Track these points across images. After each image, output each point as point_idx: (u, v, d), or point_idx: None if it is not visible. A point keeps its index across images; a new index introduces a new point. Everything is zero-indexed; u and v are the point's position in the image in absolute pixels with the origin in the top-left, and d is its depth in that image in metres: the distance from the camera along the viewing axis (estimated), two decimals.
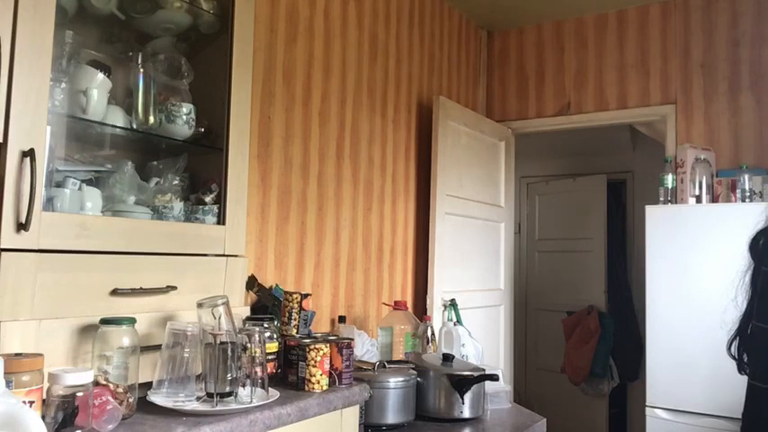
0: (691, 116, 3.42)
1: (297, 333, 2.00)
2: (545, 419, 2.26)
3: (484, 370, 2.15)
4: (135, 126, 1.68)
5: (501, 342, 3.80)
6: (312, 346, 1.71)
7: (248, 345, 1.56)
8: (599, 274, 4.57)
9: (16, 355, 1.19)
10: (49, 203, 1.44)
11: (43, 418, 1.12)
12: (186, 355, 1.47)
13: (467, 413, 2.09)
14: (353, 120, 2.84)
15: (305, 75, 2.57)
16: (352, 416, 1.77)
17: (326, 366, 1.72)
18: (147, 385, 1.47)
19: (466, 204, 3.45)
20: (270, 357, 1.75)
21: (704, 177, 3.14)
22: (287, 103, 2.48)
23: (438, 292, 3.16)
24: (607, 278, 4.55)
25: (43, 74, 1.33)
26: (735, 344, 1.58)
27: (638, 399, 3.96)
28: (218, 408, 1.42)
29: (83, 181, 1.57)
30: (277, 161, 2.42)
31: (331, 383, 1.74)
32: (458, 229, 3.37)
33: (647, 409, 3.00)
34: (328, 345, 1.76)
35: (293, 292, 2.06)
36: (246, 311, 1.85)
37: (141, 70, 1.71)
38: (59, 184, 1.50)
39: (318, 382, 1.69)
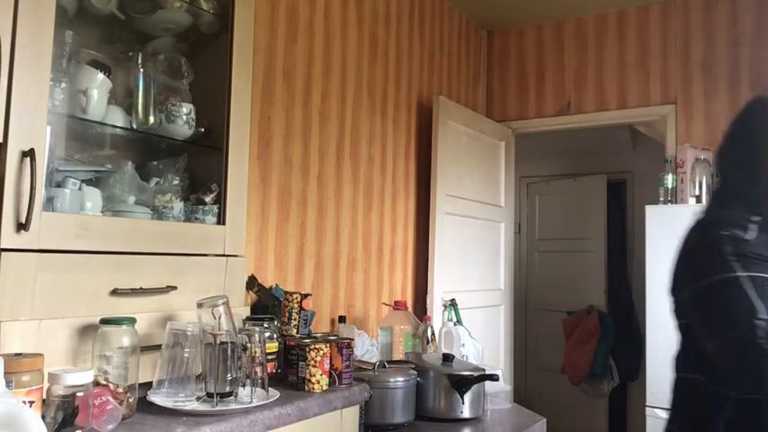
0: (691, 116, 3.41)
1: (297, 333, 2.00)
2: (545, 419, 2.26)
3: (484, 370, 2.15)
4: (135, 126, 1.68)
5: (501, 342, 3.80)
6: (312, 346, 1.71)
7: (248, 345, 1.56)
8: (599, 274, 4.56)
9: (16, 355, 1.19)
10: (49, 203, 1.44)
11: (43, 418, 1.13)
12: (186, 355, 1.47)
13: (467, 413, 2.09)
14: (353, 119, 2.84)
15: (305, 75, 2.57)
16: (352, 416, 1.77)
17: (326, 366, 1.72)
18: (147, 385, 1.47)
19: (466, 204, 3.45)
20: (270, 357, 1.75)
21: (704, 177, 3.14)
22: (287, 103, 2.47)
23: (438, 292, 3.16)
24: (607, 278, 4.55)
25: (43, 74, 1.33)
26: None
27: (638, 399, 3.96)
28: (218, 408, 1.42)
29: (83, 181, 1.57)
30: (277, 161, 2.42)
31: (331, 383, 1.74)
32: (458, 229, 3.37)
33: (647, 409, 3.00)
34: (328, 345, 1.76)
35: (293, 292, 2.06)
36: (246, 311, 1.85)
37: (141, 70, 1.71)
38: (59, 184, 1.50)
39: (318, 382, 1.69)
